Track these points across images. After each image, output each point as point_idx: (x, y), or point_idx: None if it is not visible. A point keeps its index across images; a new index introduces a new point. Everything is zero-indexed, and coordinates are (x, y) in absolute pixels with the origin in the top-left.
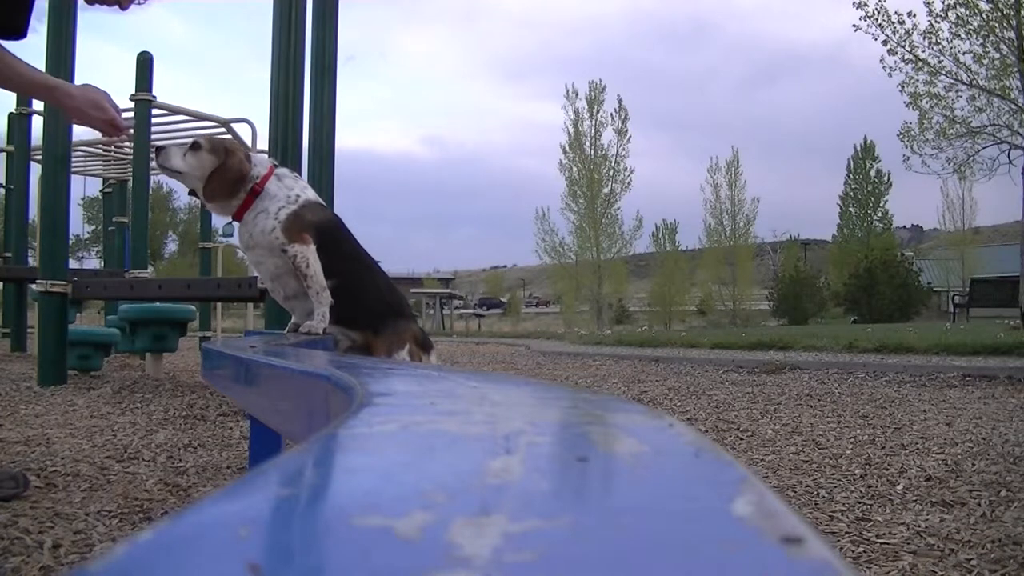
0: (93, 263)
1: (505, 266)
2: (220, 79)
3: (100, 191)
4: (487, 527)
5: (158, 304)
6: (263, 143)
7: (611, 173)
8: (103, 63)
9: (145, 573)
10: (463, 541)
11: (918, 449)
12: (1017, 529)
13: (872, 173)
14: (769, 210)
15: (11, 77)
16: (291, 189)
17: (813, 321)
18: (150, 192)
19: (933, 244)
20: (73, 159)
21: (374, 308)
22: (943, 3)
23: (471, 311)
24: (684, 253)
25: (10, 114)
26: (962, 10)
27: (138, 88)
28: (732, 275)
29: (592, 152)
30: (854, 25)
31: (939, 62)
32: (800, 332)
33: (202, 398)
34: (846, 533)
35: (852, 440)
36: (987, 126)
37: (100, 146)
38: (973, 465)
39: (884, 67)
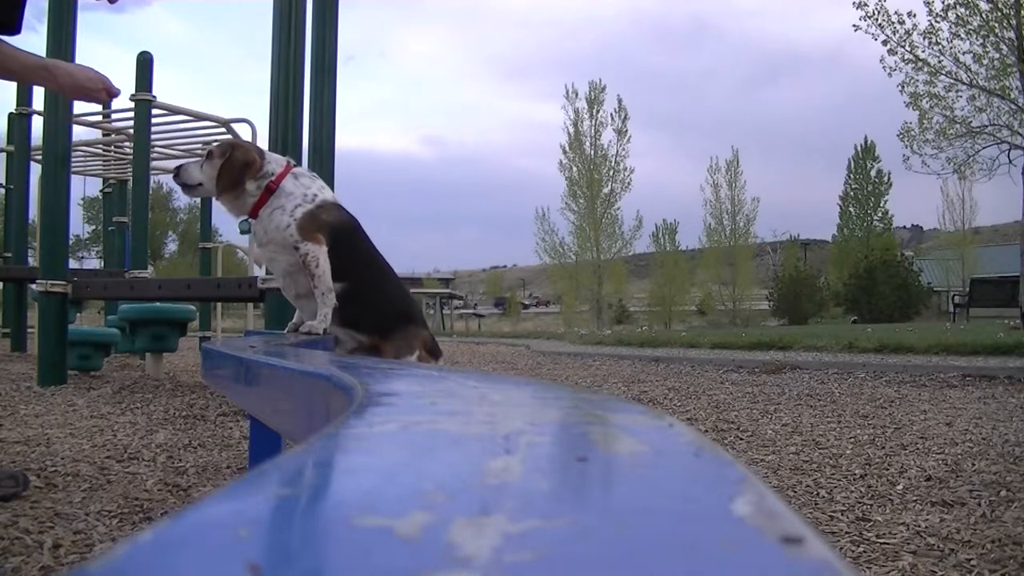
0: (93, 263)
1: (505, 266)
2: (220, 79)
3: (100, 191)
4: (487, 527)
5: (158, 304)
6: (263, 143)
7: (611, 173)
8: (103, 63)
9: (145, 573)
10: (463, 541)
11: (918, 449)
12: (1017, 529)
13: (872, 173)
14: (769, 210)
15: (11, 67)
16: (308, 188)
17: (813, 321)
18: (150, 192)
19: (933, 244)
20: (73, 159)
21: (384, 312)
22: (943, 3)
23: (471, 311)
24: (684, 253)
25: (10, 114)
26: (962, 10)
27: (138, 88)
28: (732, 275)
29: (592, 152)
30: (854, 25)
31: (939, 62)
32: (800, 332)
33: (202, 398)
34: (846, 533)
35: (852, 440)
36: (987, 126)
37: (100, 146)
38: (973, 465)
39: (884, 67)
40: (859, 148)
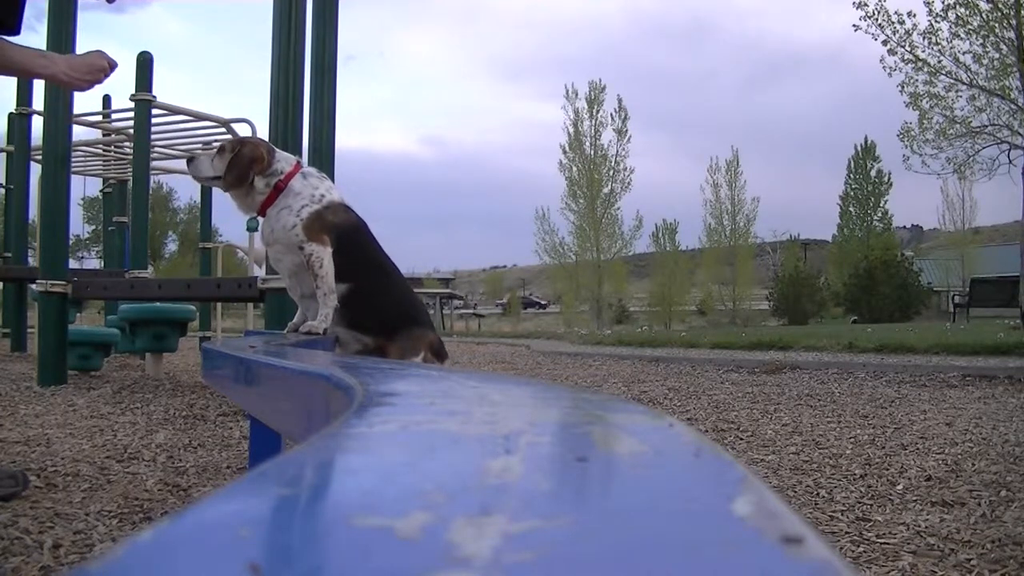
0: (93, 263)
1: (505, 266)
2: (220, 79)
3: (100, 191)
4: (487, 527)
5: (158, 304)
6: None
7: (611, 173)
8: None
9: (145, 573)
10: (463, 541)
11: (918, 449)
12: (1017, 529)
13: (872, 173)
14: (769, 210)
15: (12, 64)
16: (316, 188)
17: (813, 321)
18: (150, 192)
19: (933, 244)
20: (73, 159)
21: (390, 313)
22: (943, 3)
23: (471, 311)
24: (684, 253)
25: (10, 114)
26: (962, 10)
27: (138, 88)
28: (732, 275)
29: (592, 152)
30: (854, 25)
31: (939, 62)
32: (800, 332)
33: (202, 398)
34: (846, 533)
35: (852, 440)
36: (987, 126)
37: (100, 146)
38: (973, 465)
39: (884, 67)
40: (859, 148)
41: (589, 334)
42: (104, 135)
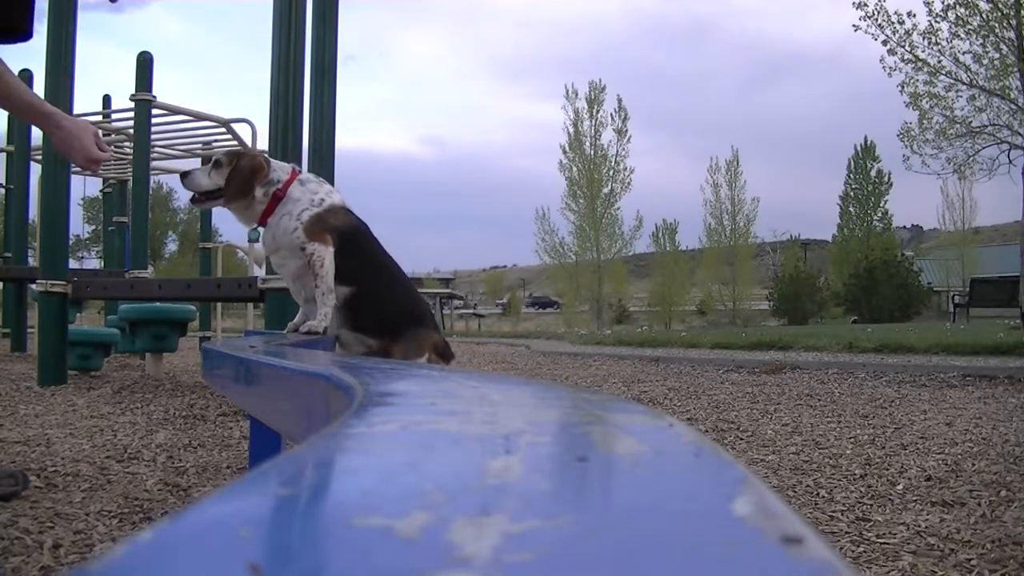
0: (93, 263)
1: (505, 266)
2: (220, 79)
3: (100, 191)
4: (487, 527)
5: (158, 304)
6: (263, 143)
7: (611, 173)
8: (103, 63)
9: (145, 573)
10: (463, 541)
11: (918, 449)
12: (1017, 529)
13: (872, 173)
14: (769, 210)
15: (10, 96)
16: (315, 193)
17: (813, 321)
18: (150, 192)
19: (933, 244)
20: None
21: (393, 315)
22: (943, 3)
23: (471, 311)
24: (684, 253)
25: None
26: (962, 10)
27: (138, 88)
28: (732, 275)
29: (592, 152)
30: (854, 25)
31: (939, 62)
32: (800, 332)
33: (202, 398)
34: (846, 533)
35: (852, 440)
36: (987, 126)
37: None
38: (973, 465)
39: (884, 67)
40: (859, 148)
41: (589, 334)
42: (104, 135)
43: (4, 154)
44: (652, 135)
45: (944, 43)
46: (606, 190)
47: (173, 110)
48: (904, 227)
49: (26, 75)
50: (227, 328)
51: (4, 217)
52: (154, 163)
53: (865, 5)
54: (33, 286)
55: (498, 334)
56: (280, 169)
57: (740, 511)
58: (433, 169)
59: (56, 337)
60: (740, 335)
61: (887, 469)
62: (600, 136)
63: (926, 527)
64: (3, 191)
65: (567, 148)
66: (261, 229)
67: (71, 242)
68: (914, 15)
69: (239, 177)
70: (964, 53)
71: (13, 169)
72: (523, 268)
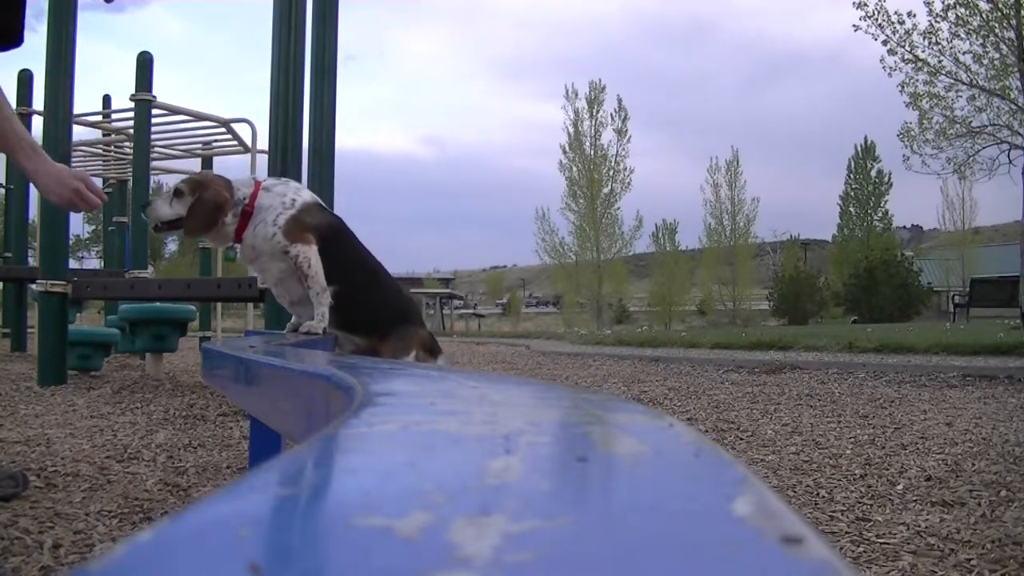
0: (93, 263)
1: (505, 266)
2: (220, 79)
3: None
4: (487, 527)
5: (158, 304)
6: (263, 143)
7: (611, 173)
8: (103, 63)
9: (145, 573)
10: (463, 541)
11: (918, 449)
12: (1017, 529)
13: (872, 173)
14: (769, 210)
15: (1, 125)
16: (284, 196)
17: (813, 321)
18: (150, 192)
19: (933, 244)
20: (73, 159)
21: (378, 312)
22: (943, 3)
23: (471, 311)
24: (684, 253)
25: None
26: (962, 10)
27: (138, 88)
28: (732, 275)
29: (592, 152)
30: (854, 25)
31: (939, 62)
32: (800, 332)
33: (202, 398)
34: (846, 533)
35: (852, 440)
36: (987, 126)
37: (100, 146)
38: (973, 465)
39: (884, 67)
40: (859, 148)
41: (589, 334)
42: (104, 135)
43: (4, 154)
44: (652, 135)
45: (944, 43)
46: (606, 190)
47: (173, 110)
48: (904, 227)
49: (26, 75)
50: (227, 328)
51: (4, 217)
52: (154, 163)
53: (865, 5)
54: (33, 286)
55: (498, 334)
56: (243, 185)
57: (740, 511)
58: (433, 169)
59: (56, 337)
60: (740, 335)
61: (887, 469)
62: (600, 136)
63: (926, 527)
64: (3, 191)
65: (567, 148)
66: (238, 246)
67: (71, 242)
68: (914, 15)
69: (203, 211)
70: (964, 53)
71: (13, 169)
72: (523, 268)
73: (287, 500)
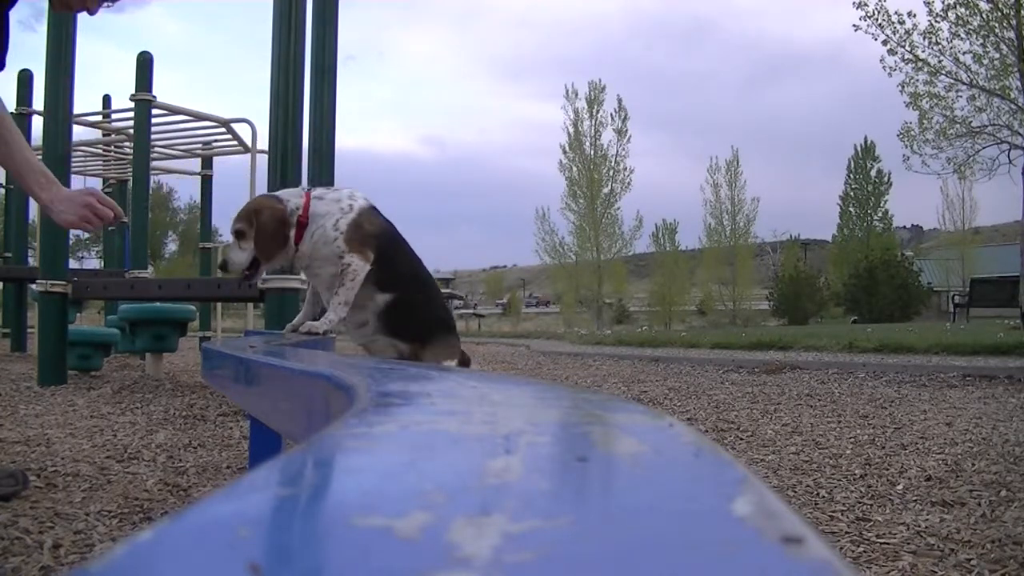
0: (93, 263)
1: (505, 266)
2: (220, 79)
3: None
4: (487, 527)
5: (158, 304)
6: (263, 143)
7: (611, 173)
8: (103, 63)
9: (145, 573)
10: (463, 541)
11: (918, 449)
12: (1017, 529)
13: (872, 173)
14: (769, 210)
15: (15, 156)
16: (339, 201)
17: (813, 321)
18: (150, 192)
19: (933, 244)
20: (73, 159)
21: (426, 321)
22: (943, 3)
23: (471, 311)
24: (684, 253)
25: (10, 115)
26: (962, 10)
27: (138, 88)
28: (732, 275)
29: (592, 152)
30: (854, 25)
31: (939, 62)
32: (800, 332)
33: (202, 398)
34: (846, 533)
35: (852, 440)
36: (987, 126)
37: (100, 146)
38: (973, 465)
39: (884, 67)
40: (859, 148)
41: (589, 334)
42: (104, 135)
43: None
44: (652, 135)
45: (944, 43)
46: (606, 190)
47: (173, 110)
48: (904, 227)
49: (26, 75)
50: (227, 328)
51: (4, 217)
52: (154, 163)
53: (865, 5)
54: (33, 286)
55: (498, 334)
56: (293, 196)
57: (740, 511)
58: (433, 169)
59: (56, 337)
60: (740, 335)
61: (887, 469)
62: (600, 136)
63: (926, 527)
64: (3, 191)
65: (567, 148)
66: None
67: (71, 242)
68: (914, 15)
69: (267, 234)
70: (964, 53)
71: None
72: (523, 268)
73: (287, 500)
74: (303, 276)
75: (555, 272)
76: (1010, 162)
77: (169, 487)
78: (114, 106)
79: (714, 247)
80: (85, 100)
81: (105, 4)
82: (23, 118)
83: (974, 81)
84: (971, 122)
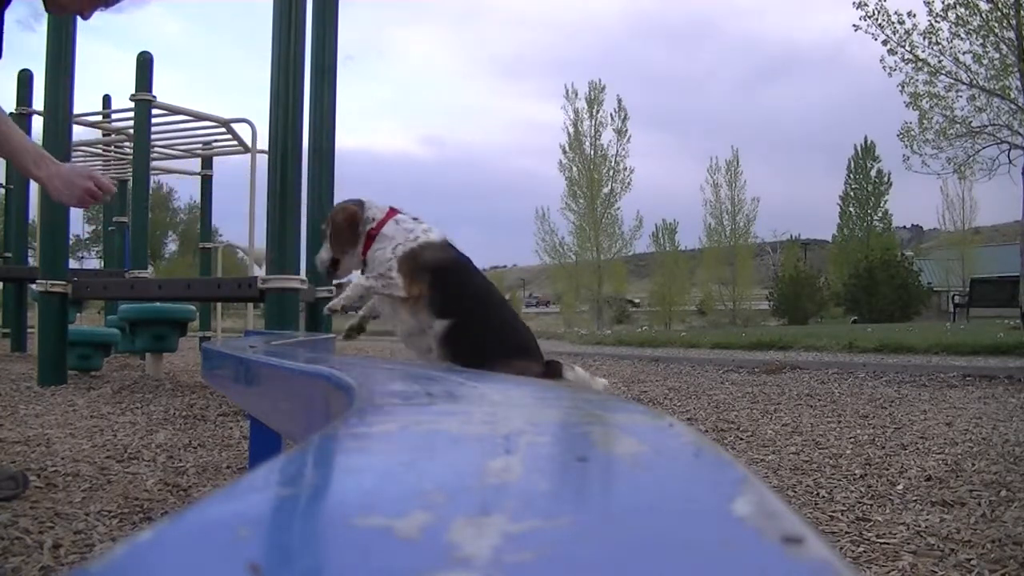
0: (93, 263)
1: (505, 266)
2: (220, 79)
3: None
4: (487, 527)
5: (158, 304)
6: (263, 143)
7: (611, 173)
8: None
9: (145, 573)
10: (463, 541)
11: (918, 449)
12: (1017, 529)
13: (872, 173)
14: (769, 210)
15: (11, 140)
16: (410, 232)
17: (813, 321)
18: (150, 192)
19: (933, 244)
20: (73, 159)
21: (490, 346)
22: (943, 3)
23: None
24: (684, 253)
25: (10, 114)
26: (962, 10)
27: (138, 88)
28: (732, 275)
29: (592, 152)
30: (854, 25)
31: (939, 62)
32: (800, 332)
33: (202, 398)
34: (846, 533)
35: (852, 440)
36: (987, 126)
37: (100, 146)
38: (973, 465)
39: (884, 67)
40: (859, 148)
41: (589, 334)
42: (104, 135)
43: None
44: (652, 135)
45: (944, 43)
46: (606, 190)
47: (173, 110)
48: (904, 227)
49: (26, 75)
50: (227, 328)
51: (4, 217)
52: (154, 163)
53: (865, 5)
54: (33, 286)
55: None
56: (375, 208)
57: (740, 511)
58: (433, 169)
59: (56, 337)
60: (740, 335)
61: (887, 469)
62: (600, 136)
63: (926, 527)
64: (3, 191)
65: (567, 148)
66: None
67: (71, 242)
68: (914, 15)
69: (338, 233)
70: (964, 53)
71: (13, 169)
72: (523, 268)
73: (287, 500)
74: (303, 276)
75: (555, 272)
76: (1010, 162)
77: (169, 487)
78: (114, 106)
79: (714, 247)
80: (85, 100)
81: (99, 8)
82: (23, 118)
83: (974, 81)
84: (971, 122)
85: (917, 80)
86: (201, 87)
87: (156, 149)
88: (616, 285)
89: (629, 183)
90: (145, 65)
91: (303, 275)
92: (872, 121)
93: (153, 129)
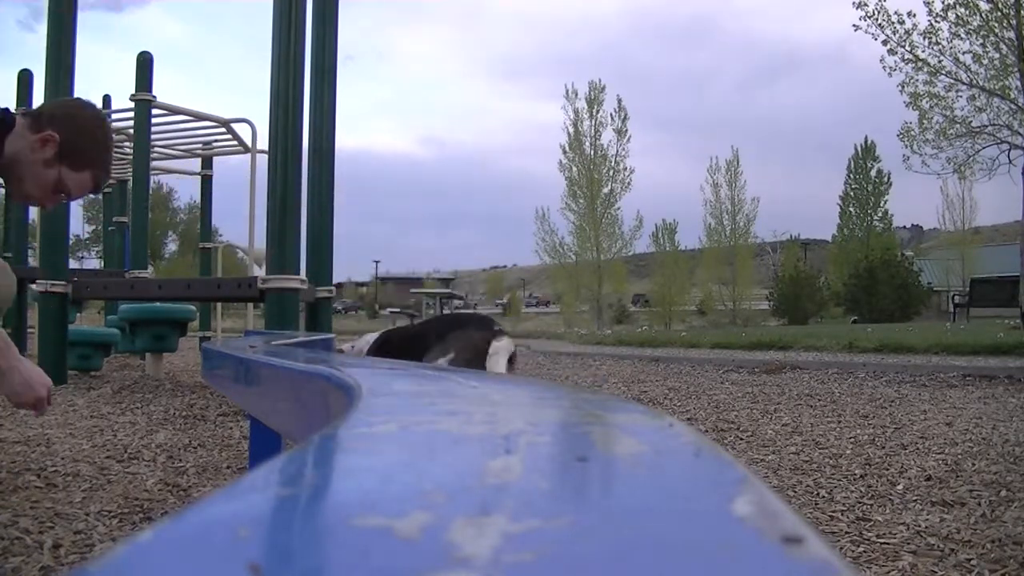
0: (93, 263)
1: (505, 266)
2: (220, 79)
3: None
4: (487, 527)
5: (158, 304)
6: (263, 143)
7: (611, 173)
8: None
9: (145, 573)
10: (463, 541)
11: (918, 449)
12: (1017, 529)
13: (872, 173)
14: (769, 210)
15: None
16: None
17: (813, 321)
18: (150, 192)
19: (933, 244)
20: None
21: None
22: (943, 3)
23: (470, 310)
24: (684, 253)
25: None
26: (962, 10)
27: (138, 88)
28: (732, 275)
29: (592, 152)
30: (854, 25)
31: (939, 62)
32: (800, 332)
33: (202, 398)
34: (846, 533)
35: (852, 440)
36: (987, 126)
37: None
38: (973, 465)
39: (884, 67)
40: (859, 148)
41: (589, 334)
42: None
43: None
44: (652, 135)
45: (944, 43)
46: (606, 190)
47: (173, 110)
48: (904, 227)
49: (26, 75)
50: (227, 328)
51: (4, 217)
52: (154, 163)
53: (865, 5)
54: (33, 286)
55: None
56: None
57: (740, 511)
58: (433, 169)
59: (56, 337)
60: (740, 335)
61: (887, 469)
62: (600, 136)
63: (926, 527)
64: (3, 191)
65: (567, 148)
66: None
67: (71, 242)
68: (914, 15)
69: None
70: (964, 53)
71: None
72: (523, 268)
73: (287, 500)
74: (303, 276)
75: (555, 272)
76: (1010, 162)
77: (169, 487)
78: (114, 106)
79: (714, 247)
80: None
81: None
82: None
83: (974, 81)
84: (971, 122)
85: (917, 80)
86: (201, 87)
87: (156, 149)
88: (616, 285)
89: (629, 183)
90: (145, 65)
91: (303, 275)
92: (872, 121)
93: (153, 129)
